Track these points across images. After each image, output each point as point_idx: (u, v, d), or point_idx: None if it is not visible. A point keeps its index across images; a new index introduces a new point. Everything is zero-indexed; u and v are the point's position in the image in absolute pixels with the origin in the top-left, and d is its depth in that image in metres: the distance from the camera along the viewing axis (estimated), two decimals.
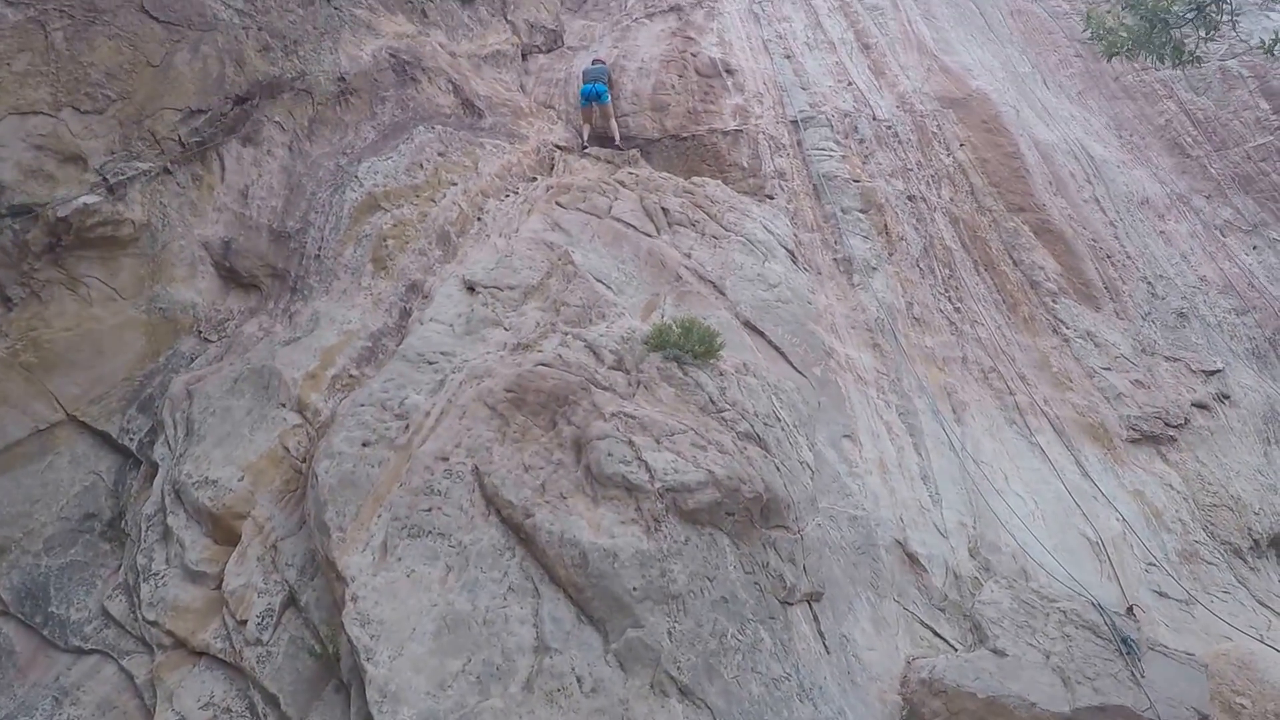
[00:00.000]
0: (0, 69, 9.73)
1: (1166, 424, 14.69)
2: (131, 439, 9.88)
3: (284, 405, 9.84)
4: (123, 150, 10.53)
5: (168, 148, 10.97)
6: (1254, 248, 19.55)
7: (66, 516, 9.17)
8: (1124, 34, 12.54)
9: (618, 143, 19.38)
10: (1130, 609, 11.25)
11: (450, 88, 16.89)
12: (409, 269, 12.33)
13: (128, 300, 10.28)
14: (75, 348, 9.79)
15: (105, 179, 10.20)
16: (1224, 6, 11.90)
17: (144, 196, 10.58)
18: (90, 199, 9.99)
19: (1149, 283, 17.67)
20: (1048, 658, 9.61)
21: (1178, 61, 12.01)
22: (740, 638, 7.88)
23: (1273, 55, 12.40)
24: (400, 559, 7.75)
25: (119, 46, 10.83)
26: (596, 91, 19.43)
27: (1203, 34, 12.11)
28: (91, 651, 8.33)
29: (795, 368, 12.75)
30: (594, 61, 20.81)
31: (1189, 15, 11.92)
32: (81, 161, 10.12)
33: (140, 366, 10.21)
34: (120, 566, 8.96)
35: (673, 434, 9.04)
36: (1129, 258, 18.07)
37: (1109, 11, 12.73)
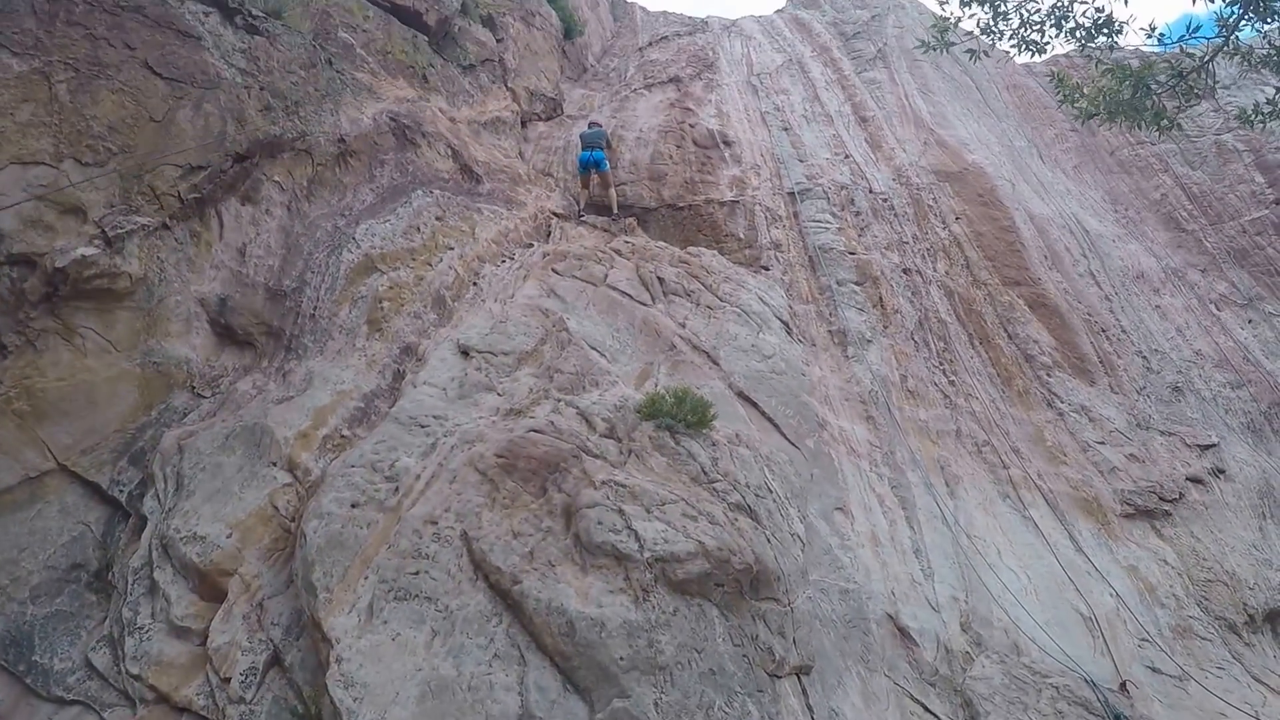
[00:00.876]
0: (3, 119, 9.73)
1: (1161, 498, 14.58)
2: (122, 491, 9.80)
3: (275, 464, 9.79)
4: (122, 204, 10.50)
5: (167, 203, 10.95)
6: (1249, 322, 19.65)
7: (54, 565, 9.06)
8: (1098, 100, 12.54)
9: (615, 213, 19.38)
10: (1123, 685, 11.15)
11: (449, 153, 16.96)
12: (404, 331, 12.37)
13: (122, 353, 10.22)
14: (68, 398, 9.71)
15: (104, 231, 10.15)
16: (1205, 76, 11.92)
17: (142, 251, 10.53)
18: (88, 251, 9.94)
19: (1144, 357, 17.74)
20: None
21: (1158, 127, 11.99)
22: (728, 710, 7.77)
23: (1252, 126, 12.38)
24: (386, 622, 7.71)
25: (122, 101, 10.85)
26: (595, 160, 19.44)
27: (1184, 102, 12.11)
28: (74, 702, 8.21)
29: (788, 439, 12.68)
30: (590, 125, 20.83)
31: (1170, 82, 11.92)
32: (81, 213, 10.09)
33: (133, 419, 10.13)
34: (105, 618, 8.84)
35: (663, 503, 9.00)
36: (1124, 332, 18.14)
37: (1097, 75, 12.72)
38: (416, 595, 7.92)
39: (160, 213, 10.90)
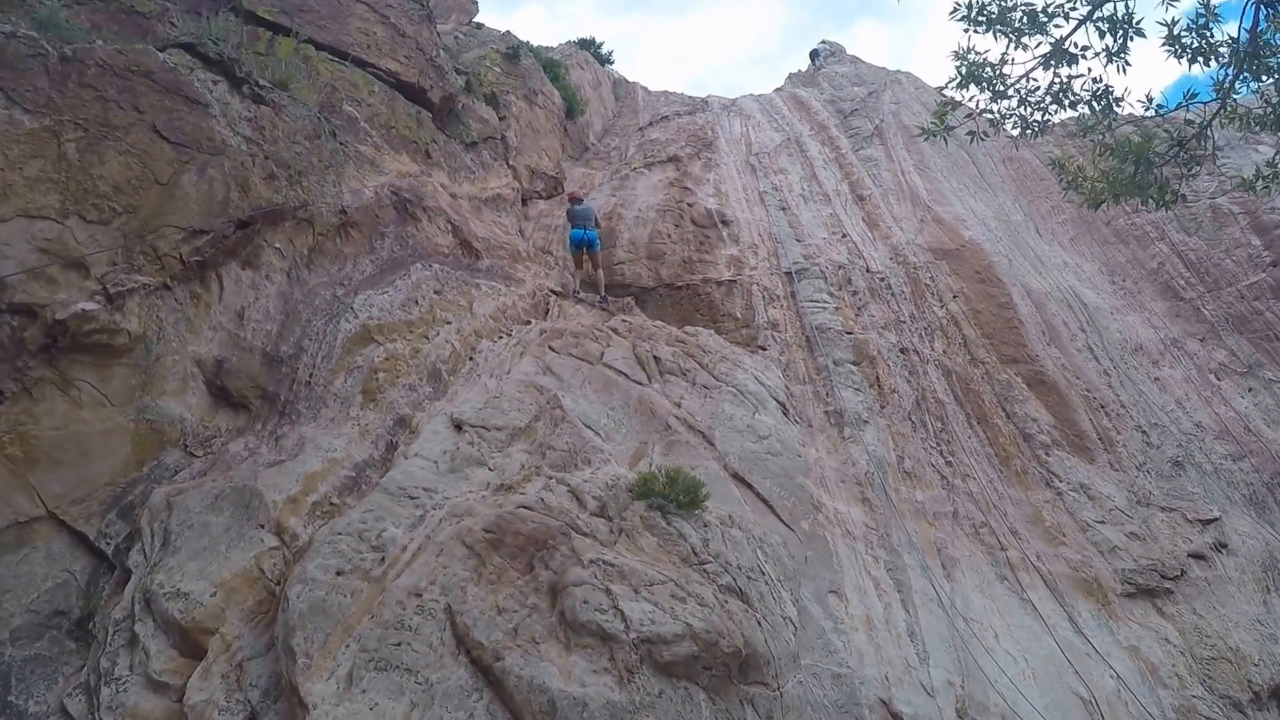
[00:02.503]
0: (12, 173, 9.78)
1: (1162, 576, 14.42)
2: (108, 543, 9.76)
3: (263, 526, 9.70)
4: (124, 262, 10.53)
5: (168, 264, 10.99)
6: (1249, 390, 19.58)
7: (36, 610, 9.03)
8: (1102, 183, 12.51)
9: (602, 294, 19.25)
10: None
11: (450, 228, 17.02)
12: (398, 403, 12.35)
13: (117, 407, 10.22)
14: (61, 447, 9.72)
15: (105, 288, 10.19)
16: (1206, 141, 11.90)
17: (141, 309, 10.56)
18: (89, 306, 9.97)
19: (1144, 431, 17.61)
20: None
21: (1161, 203, 11.95)
22: None
23: (1254, 191, 12.33)
24: (365, 691, 7.61)
25: (129, 162, 10.91)
26: (588, 239, 19.31)
27: (1185, 170, 12.08)
28: None
29: (783, 521, 12.61)
30: (571, 199, 20.54)
31: (1171, 153, 11.90)
32: (84, 269, 10.13)
33: (124, 473, 10.10)
34: (84, 667, 8.78)
35: (652, 584, 8.94)
36: (1123, 407, 18.04)
37: (1095, 155, 12.72)
38: (397, 666, 7.84)
39: (161, 273, 10.94)
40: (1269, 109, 11.54)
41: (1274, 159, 12.31)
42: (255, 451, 10.96)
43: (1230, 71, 11.03)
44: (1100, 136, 12.18)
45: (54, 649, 8.91)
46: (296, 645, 7.89)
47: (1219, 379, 20.01)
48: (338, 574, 8.68)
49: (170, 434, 10.61)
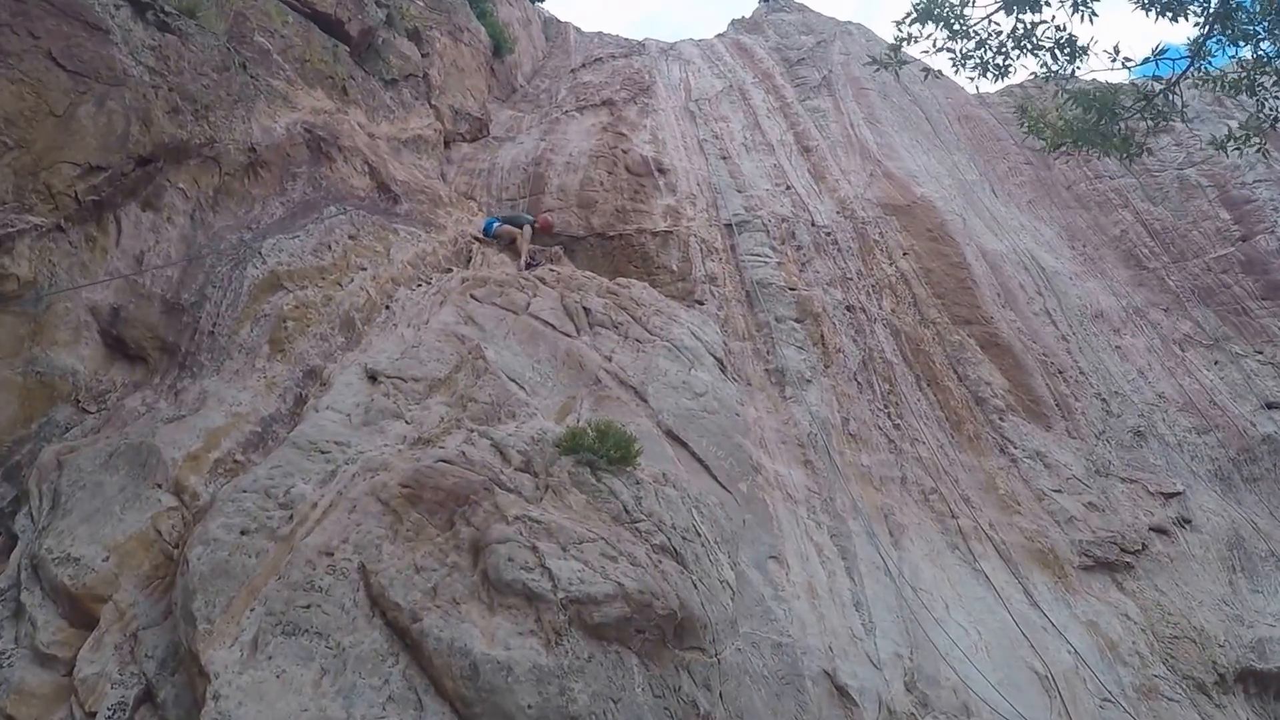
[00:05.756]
0: None
1: (1122, 550, 14.10)
2: None
3: (160, 486, 9.16)
4: (15, 201, 9.87)
5: (63, 203, 10.31)
6: (1215, 363, 19.35)
7: None
8: (1064, 126, 12.18)
9: (523, 262, 18.16)
10: None
11: (366, 169, 16.47)
12: (308, 353, 11.77)
13: (3, 359, 9.58)
14: None
15: None
16: (1174, 98, 11.57)
17: (32, 252, 9.92)
18: None
19: (1104, 400, 17.33)
20: None
21: (1125, 154, 11.70)
22: None
23: (1224, 152, 12.09)
24: (271, 657, 7.05)
25: (21, 92, 10.21)
26: (486, 226, 18.53)
27: (1152, 124, 11.76)
28: None
29: (719, 482, 12.16)
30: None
31: (1137, 106, 11.55)
32: None
33: (10, 431, 9.48)
34: None
35: (581, 542, 8.48)
36: (1082, 373, 17.75)
37: (1053, 106, 12.42)
38: (306, 630, 7.30)
39: (55, 213, 10.23)
40: (1243, 74, 11.27)
41: (1248, 120, 12.22)
42: (153, 406, 10.37)
43: (1203, 30, 10.81)
44: (1064, 84, 11.93)
45: None
46: (197, 610, 7.38)
47: (1183, 350, 19.74)
48: (242, 533, 8.17)
49: (61, 388, 9.98)
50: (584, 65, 30.43)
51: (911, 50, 12.21)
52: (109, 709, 7.21)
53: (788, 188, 21.66)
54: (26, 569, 8.32)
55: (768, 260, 18.90)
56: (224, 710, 6.57)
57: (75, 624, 7.97)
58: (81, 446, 9.45)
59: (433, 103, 22.95)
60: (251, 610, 7.41)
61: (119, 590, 8.12)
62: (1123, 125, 11.83)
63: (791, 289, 18.07)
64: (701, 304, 17.53)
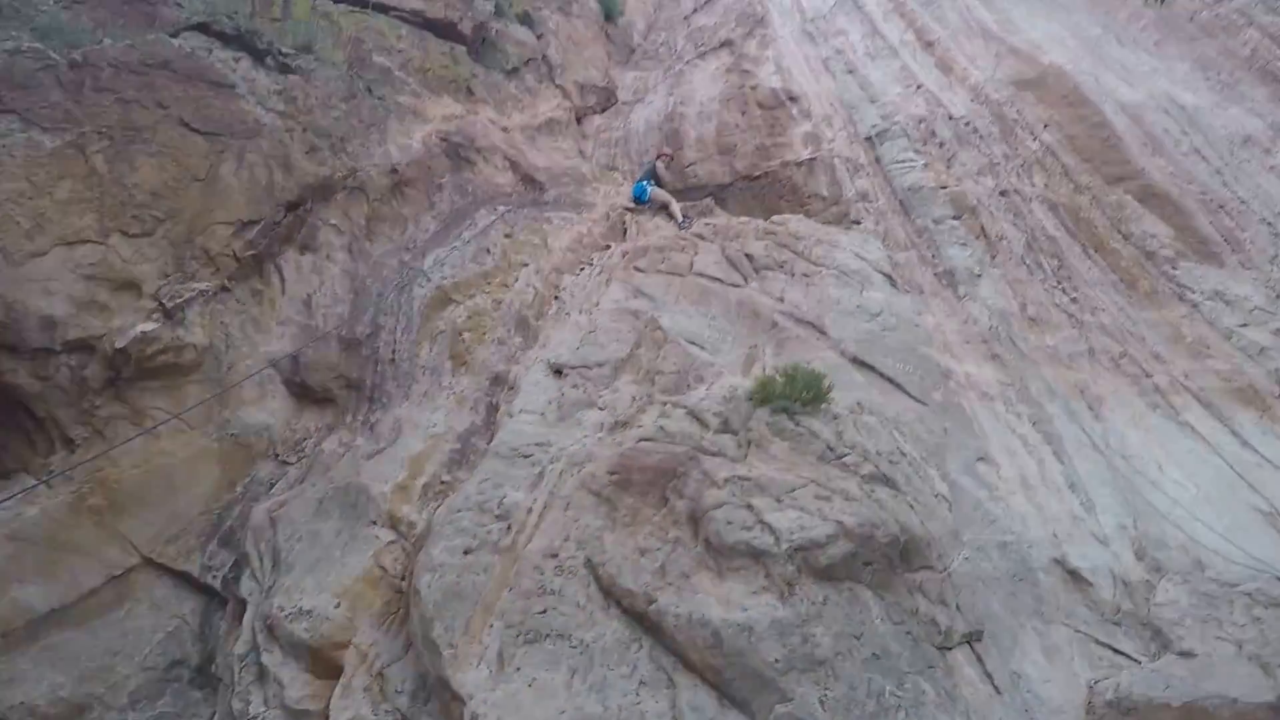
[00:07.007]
0: (41, 199, 9.61)
1: None
2: (215, 576, 9.61)
3: (375, 522, 9.45)
4: (177, 272, 10.39)
5: (223, 264, 10.81)
6: None
7: (151, 666, 8.94)
8: None
9: (680, 220, 17.89)
10: None
11: (508, 164, 16.56)
12: (490, 361, 11.91)
13: (197, 429, 10.10)
14: (146, 486, 9.58)
15: (161, 303, 10.07)
16: None
17: (203, 318, 10.43)
18: (148, 326, 9.89)
19: (1269, 224, 16.74)
20: (1240, 647, 9.10)
21: None
22: (899, 694, 7.34)
23: None
24: (519, 668, 7.33)
25: (162, 164, 10.66)
26: (637, 193, 18.33)
27: None
28: None
29: (913, 397, 12.17)
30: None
31: None
32: (135, 288, 9.99)
33: (217, 499, 9.99)
34: (214, 714, 8.65)
35: (793, 490, 8.57)
36: (1243, 203, 17.17)
37: None
38: (548, 634, 7.57)
39: (217, 275, 10.76)
40: None
41: None
42: (350, 445, 10.68)
43: None
44: None
45: (179, 703, 8.88)
46: (437, 637, 7.65)
47: None
48: (465, 553, 8.43)
49: (258, 446, 10.44)
50: (695, 10, 29.75)
51: None
52: None
53: (919, 87, 21.32)
54: (261, 631, 8.60)
55: (914, 164, 18.74)
56: None
57: (320, 675, 8.27)
58: (290, 499, 9.76)
59: (557, 82, 22.84)
60: (491, 626, 7.63)
61: (356, 633, 8.41)
62: None
63: (943, 188, 17.91)
64: (858, 224, 17.47)
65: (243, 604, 9.21)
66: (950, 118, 19.64)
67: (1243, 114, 19.47)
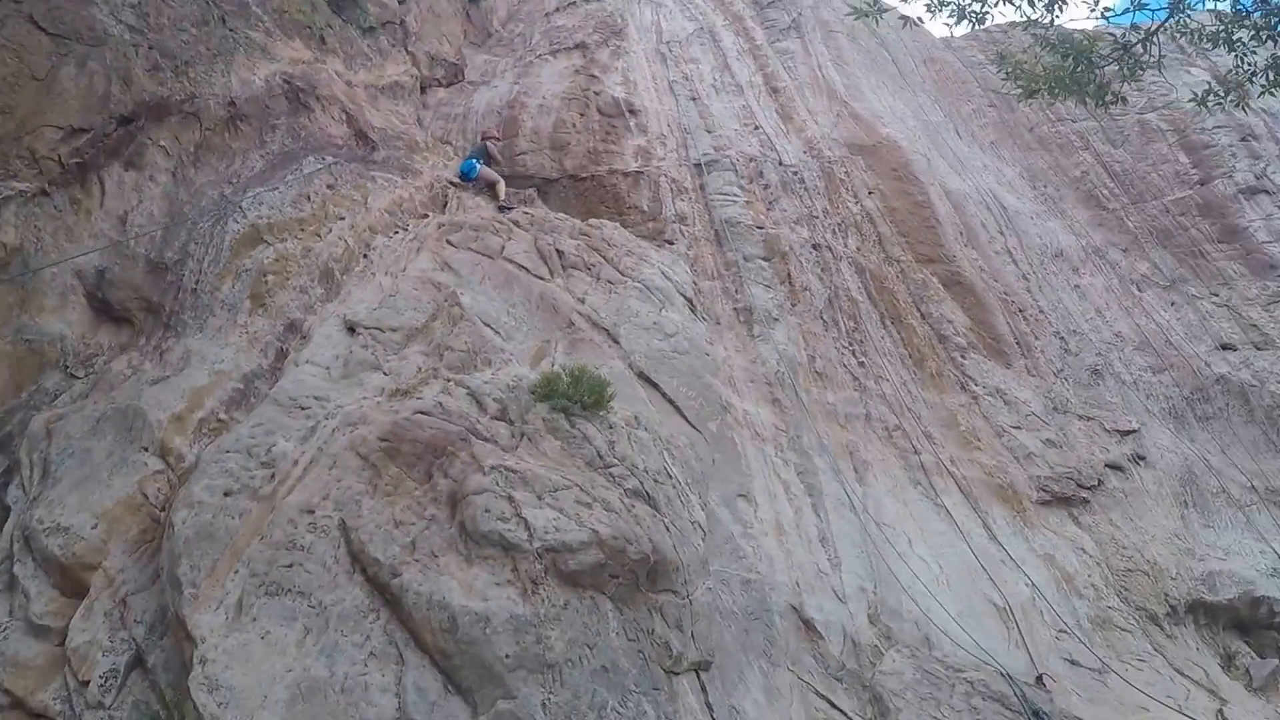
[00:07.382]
0: None
1: (1079, 485, 14.50)
2: None
3: (146, 449, 9.27)
4: (0, 169, 9.99)
5: (46, 168, 10.47)
6: (1172, 304, 19.69)
7: None
8: (1041, 72, 12.37)
9: (501, 200, 18.06)
10: (1040, 678, 11.05)
11: (344, 118, 16.41)
12: (288, 307, 11.75)
13: None
14: None
15: None
16: (1151, 48, 11.75)
17: (18, 219, 10.11)
18: None
19: (1062, 338, 17.66)
20: None
21: (1100, 102, 11.88)
22: (621, 710, 7.48)
23: (1206, 108, 12.23)
24: (255, 619, 7.31)
25: (4, 58, 10.37)
26: (464, 170, 18.31)
27: (1129, 73, 11.96)
28: None
29: (690, 422, 12.39)
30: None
31: (1114, 55, 11.75)
32: None
33: (1, 402, 9.66)
34: None
35: (556, 490, 8.67)
36: (1042, 312, 18.06)
37: (1018, 49, 12.57)
38: (289, 590, 7.55)
39: (39, 178, 10.42)
40: (1220, 27, 11.41)
41: (1226, 75, 12.38)
42: (139, 368, 10.45)
43: None
44: (1042, 31, 12.10)
45: None
46: (183, 575, 7.58)
47: (1141, 290, 20.12)
48: (225, 495, 8.37)
49: (50, 354, 10.15)
50: (558, 9, 29.72)
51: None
52: (101, 677, 7.43)
53: (756, 128, 21.72)
54: (19, 541, 8.48)
55: (736, 199, 19.02)
56: (211, 674, 6.80)
57: (67, 594, 8.15)
58: (69, 413, 9.58)
59: (409, 49, 22.76)
60: (235, 572, 7.62)
61: (108, 557, 8.29)
62: (1099, 74, 12.02)
63: (759, 228, 18.24)
64: (672, 243, 17.67)
65: (7, 511, 9.01)
66: (780, 163, 20.08)
67: (1061, 229, 20.56)
